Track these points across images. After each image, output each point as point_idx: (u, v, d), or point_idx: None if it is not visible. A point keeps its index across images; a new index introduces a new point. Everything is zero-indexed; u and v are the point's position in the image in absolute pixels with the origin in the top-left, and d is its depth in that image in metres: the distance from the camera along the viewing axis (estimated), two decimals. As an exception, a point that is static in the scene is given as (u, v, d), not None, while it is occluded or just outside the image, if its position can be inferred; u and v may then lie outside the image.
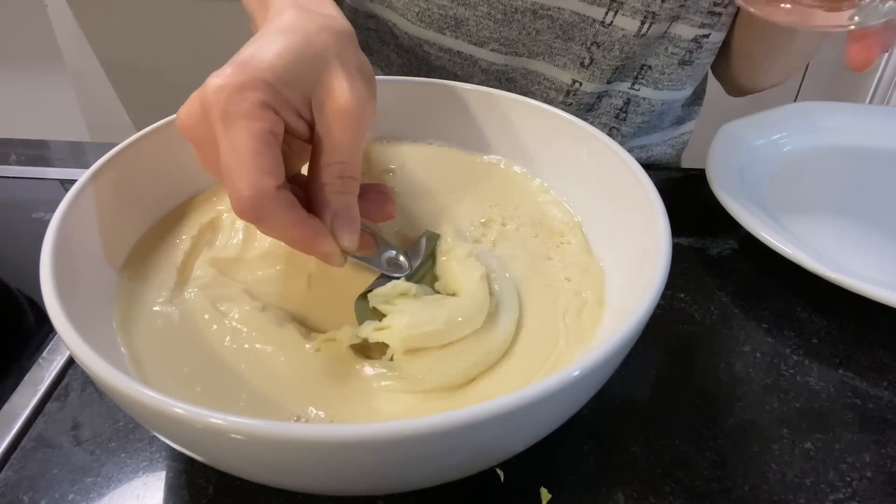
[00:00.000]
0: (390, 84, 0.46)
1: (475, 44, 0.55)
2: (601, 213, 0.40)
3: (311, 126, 0.32)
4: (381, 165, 0.44)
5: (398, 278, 0.36)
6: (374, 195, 0.36)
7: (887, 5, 0.30)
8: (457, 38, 0.55)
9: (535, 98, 0.44)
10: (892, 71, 1.26)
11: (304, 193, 0.33)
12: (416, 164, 0.45)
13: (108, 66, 1.27)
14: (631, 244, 0.35)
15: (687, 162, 0.72)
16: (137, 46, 1.24)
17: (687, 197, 0.54)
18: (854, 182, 0.56)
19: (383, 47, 0.60)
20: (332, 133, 0.31)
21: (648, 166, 0.41)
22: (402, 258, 0.37)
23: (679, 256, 0.48)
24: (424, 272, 0.37)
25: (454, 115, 0.46)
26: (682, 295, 0.45)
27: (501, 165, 0.45)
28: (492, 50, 0.55)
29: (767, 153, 0.57)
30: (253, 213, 0.29)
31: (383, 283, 0.35)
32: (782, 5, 0.31)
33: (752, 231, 0.46)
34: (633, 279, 0.34)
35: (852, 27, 0.31)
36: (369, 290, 0.35)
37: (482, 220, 0.41)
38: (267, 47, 0.30)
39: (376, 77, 0.46)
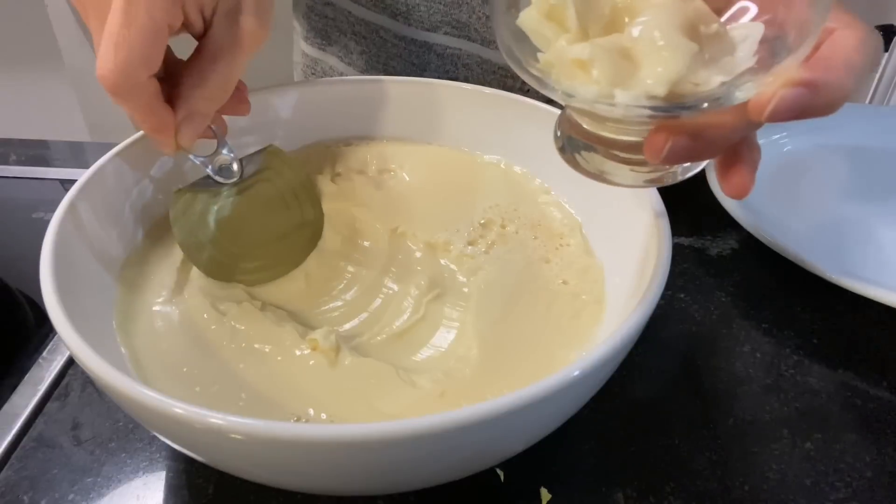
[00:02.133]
0: (390, 84, 0.46)
1: (428, 29, 0.55)
2: (601, 214, 0.40)
3: (207, 26, 0.33)
4: (381, 165, 0.44)
5: (224, 185, 0.37)
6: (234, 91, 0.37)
7: (687, 164, 0.29)
8: (409, 24, 0.55)
9: (491, 87, 0.44)
10: (892, 71, 1.26)
11: (166, 70, 0.34)
12: (416, 164, 0.45)
13: (108, 66, 1.27)
14: (631, 244, 0.35)
15: (687, 162, 0.71)
16: (137, 46, 1.23)
17: (687, 197, 0.54)
18: (854, 182, 0.56)
19: (341, 36, 0.60)
20: (227, 44, 0.33)
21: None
22: (234, 166, 0.37)
23: (679, 256, 0.48)
24: (251, 184, 0.38)
25: (454, 115, 0.46)
26: (682, 295, 0.45)
27: (501, 165, 0.45)
28: (445, 34, 0.55)
29: (767, 153, 0.56)
30: (115, 90, 0.31)
31: (209, 184, 0.36)
32: (592, 159, 0.30)
33: (752, 231, 0.46)
34: (633, 279, 0.34)
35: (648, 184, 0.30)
36: (191, 186, 0.36)
37: (481, 222, 0.41)
38: None
39: (377, 77, 0.46)
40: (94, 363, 0.25)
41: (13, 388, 0.37)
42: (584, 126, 0.29)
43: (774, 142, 0.58)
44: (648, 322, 0.28)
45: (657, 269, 0.30)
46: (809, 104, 0.23)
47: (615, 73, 0.24)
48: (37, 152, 0.59)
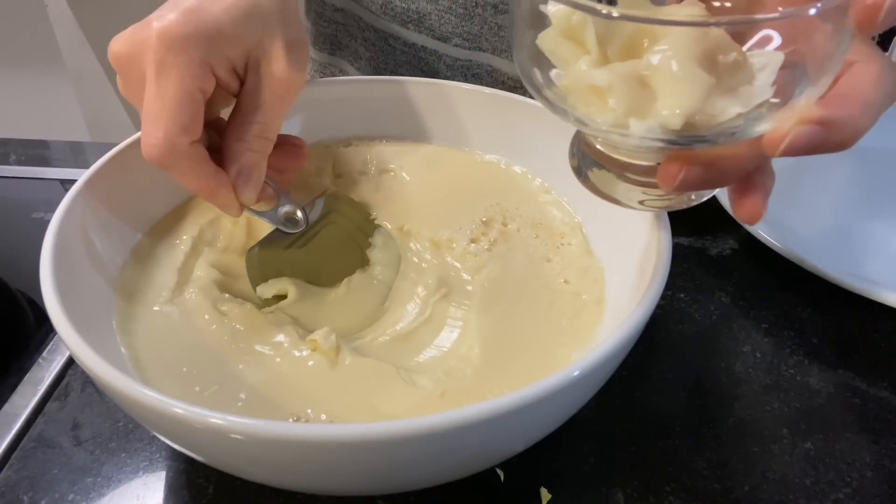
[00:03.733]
0: (390, 84, 0.46)
1: (438, 38, 0.55)
2: (601, 214, 0.40)
3: (242, 82, 0.34)
4: (381, 165, 0.44)
5: (292, 234, 0.37)
6: (287, 147, 0.38)
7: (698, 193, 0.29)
8: (420, 32, 0.55)
9: None
10: (892, 71, 1.26)
11: (218, 138, 0.35)
12: (416, 164, 0.45)
13: (108, 66, 1.27)
14: (631, 244, 0.35)
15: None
16: (137, 46, 1.23)
17: (687, 197, 0.54)
18: (854, 182, 0.56)
19: (351, 41, 0.60)
20: (262, 95, 0.33)
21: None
22: (298, 214, 0.38)
23: (679, 256, 0.48)
24: (317, 231, 0.38)
25: (454, 115, 0.46)
26: (682, 295, 0.45)
27: (501, 165, 0.45)
28: (455, 45, 0.55)
29: (767, 153, 0.57)
30: (161, 162, 0.31)
31: (277, 237, 0.37)
32: (606, 184, 0.30)
33: (752, 231, 0.46)
34: (633, 279, 0.34)
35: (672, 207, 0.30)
36: (261, 243, 0.37)
37: (483, 219, 0.41)
38: (213, 4, 0.31)
39: (377, 77, 0.46)
40: (94, 363, 0.25)
41: (13, 388, 0.37)
42: (599, 148, 0.29)
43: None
44: (648, 322, 0.28)
45: (657, 269, 0.30)
46: (823, 142, 0.23)
47: (632, 101, 0.24)
48: (37, 152, 0.59)
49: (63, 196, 0.33)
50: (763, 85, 0.24)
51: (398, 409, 0.30)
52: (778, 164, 0.59)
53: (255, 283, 0.36)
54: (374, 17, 0.56)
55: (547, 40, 0.26)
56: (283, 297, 0.36)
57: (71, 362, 0.39)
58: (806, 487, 0.33)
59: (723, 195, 0.49)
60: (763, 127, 0.24)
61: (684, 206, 0.30)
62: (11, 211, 0.52)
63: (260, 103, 0.33)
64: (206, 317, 0.34)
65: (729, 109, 0.24)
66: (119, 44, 0.32)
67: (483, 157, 0.46)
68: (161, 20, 0.30)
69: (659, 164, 0.27)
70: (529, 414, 0.24)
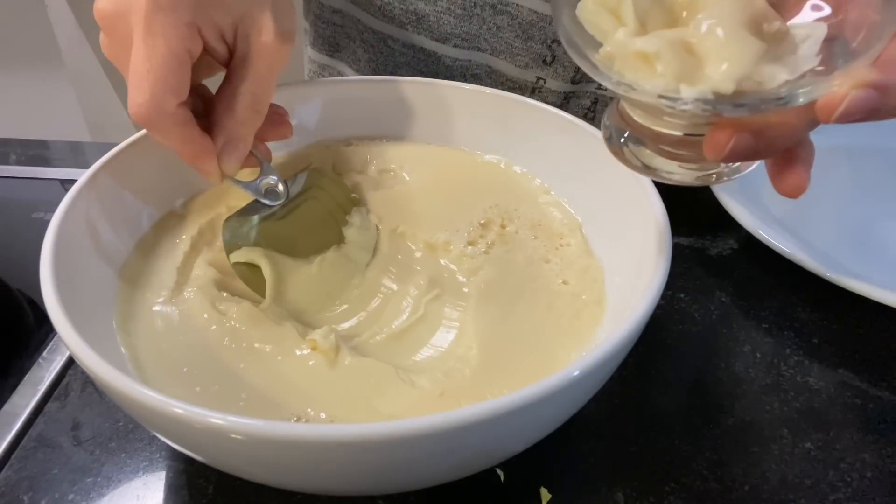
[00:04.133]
0: (390, 84, 0.46)
1: (437, 39, 0.55)
2: (601, 214, 0.40)
3: (231, 51, 0.34)
4: (381, 165, 0.44)
5: (272, 206, 0.37)
6: (271, 114, 0.37)
7: (737, 165, 0.29)
8: (419, 33, 0.55)
9: None
10: (892, 71, 1.26)
11: (205, 106, 0.35)
12: (416, 164, 0.45)
13: (108, 66, 1.27)
14: (631, 244, 0.35)
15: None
16: (137, 46, 1.23)
17: (687, 197, 0.54)
18: (854, 182, 0.56)
19: (349, 43, 0.60)
20: (252, 65, 0.33)
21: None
22: (279, 186, 0.38)
23: (679, 256, 0.48)
24: (297, 204, 0.38)
25: (454, 115, 0.46)
26: (682, 295, 0.45)
27: (501, 165, 0.45)
28: (454, 46, 0.55)
29: (767, 153, 0.57)
30: (148, 123, 0.31)
31: (256, 207, 0.37)
32: (642, 153, 0.30)
33: (752, 231, 0.46)
34: (633, 279, 0.34)
35: (713, 181, 0.30)
36: (238, 212, 0.37)
37: (481, 222, 0.41)
38: None
39: (377, 77, 0.46)
40: (94, 363, 0.25)
41: (13, 388, 0.37)
42: (636, 119, 0.29)
43: (774, 142, 0.58)
44: (648, 322, 0.28)
45: (657, 269, 0.30)
46: (879, 106, 0.23)
47: (680, 67, 0.24)
48: (37, 152, 0.59)
49: (63, 196, 0.33)
50: (807, 55, 0.24)
51: (397, 409, 0.30)
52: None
53: (228, 251, 0.36)
54: (373, 19, 0.56)
55: (585, 10, 0.26)
56: (255, 266, 0.36)
57: (71, 362, 0.39)
58: (806, 487, 0.33)
59: (726, 197, 0.49)
60: (812, 94, 0.24)
61: (716, 182, 0.29)
62: (11, 211, 0.52)
63: (249, 74, 0.33)
64: (206, 316, 0.34)
65: (777, 76, 0.24)
66: (109, 16, 0.32)
67: (483, 157, 0.46)
68: None
69: (693, 135, 0.27)
70: (529, 414, 0.24)
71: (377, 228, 0.40)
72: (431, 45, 0.55)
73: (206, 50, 0.33)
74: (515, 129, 0.44)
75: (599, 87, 0.57)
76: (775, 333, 0.42)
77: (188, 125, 0.33)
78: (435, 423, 0.23)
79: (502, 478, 0.33)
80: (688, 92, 0.24)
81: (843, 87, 0.23)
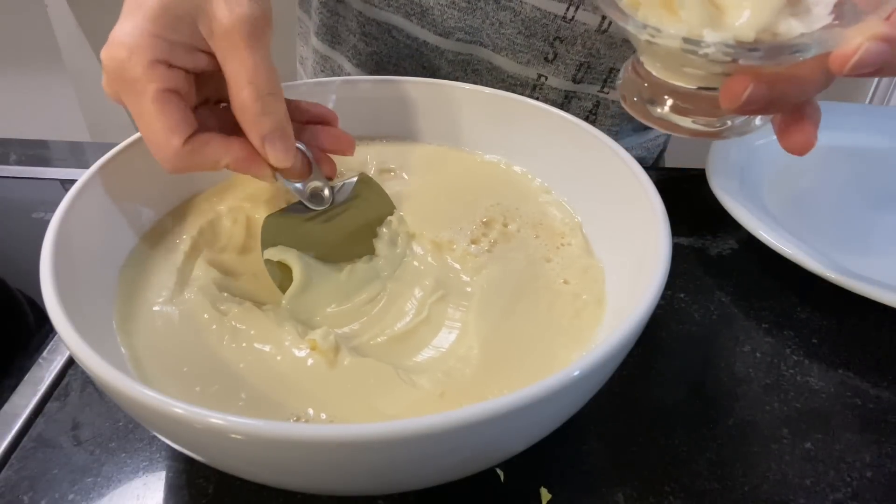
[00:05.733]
0: (390, 84, 0.46)
1: (440, 34, 0.55)
2: (601, 214, 0.40)
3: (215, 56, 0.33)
4: (381, 165, 0.44)
5: (316, 210, 0.37)
6: (337, 131, 0.38)
7: (758, 119, 0.31)
8: (423, 27, 0.55)
9: None
10: (892, 71, 1.26)
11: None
12: (416, 164, 0.45)
13: (109, 66, 1.27)
14: (631, 244, 0.35)
15: (686, 162, 0.72)
16: (137, 46, 1.23)
17: (687, 197, 0.54)
18: (854, 182, 0.56)
19: (349, 36, 0.60)
20: (228, 57, 0.32)
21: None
22: (326, 191, 0.37)
23: (679, 256, 0.48)
24: (340, 212, 0.38)
25: (454, 115, 0.46)
26: (682, 295, 0.45)
27: (501, 165, 0.45)
28: (457, 40, 0.55)
29: (767, 153, 0.57)
30: (175, 169, 0.32)
31: (299, 209, 0.37)
32: (656, 109, 0.31)
33: (752, 231, 0.46)
34: (633, 279, 0.34)
35: (723, 136, 0.31)
36: (281, 211, 0.37)
37: (483, 220, 0.41)
38: None
39: (377, 77, 0.46)
40: (94, 363, 0.25)
41: (13, 388, 0.37)
42: (653, 73, 0.30)
43: (774, 142, 0.57)
44: (648, 322, 0.28)
45: (657, 269, 0.30)
46: (891, 59, 0.24)
47: (703, 15, 0.25)
48: (37, 152, 0.59)
49: (63, 196, 0.33)
50: (821, 14, 0.25)
51: (398, 409, 0.30)
52: (778, 163, 0.59)
53: (264, 247, 0.36)
54: (377, 10, 0.56)
55: None
56: (286, 266, 0.36)
57: (71, 362, 0.39)
58: (806, 487, 0.33)
59: (726, 197, 0.49)
60: (827, 44, 0.25)
61: (723, 138, 0.31)
62: (11, 211, 0.52)
63: (231, 66, 0.32)
64: (206, 316, 0.34)
65: (793, 29, 0.25)
66: (104, 86, 0.32)
67: (483, 157, 0.46)
68: (105, 48, 0.31)
69: (706, 89, 0.29)
70: (529, 414, 0.24)
71: (409, 239, 0.40)
72: (434, 38, 0.55)
73: (193, 70, 0.32)
74: (515, 129, 0.44)
75: (601, 89, 0.57)
76: (775, 333, 0.42)
77: (212, 144, 0.32)
78: (435, 423, 0.23)
79: (502, 478, 0.33)
80: (711, 36, 0.25)
81: (856, 38, 0.24)
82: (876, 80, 1.27)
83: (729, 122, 0.31)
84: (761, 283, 0.46)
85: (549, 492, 0.33)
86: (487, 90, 0.44)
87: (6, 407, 0.36)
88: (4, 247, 0.50)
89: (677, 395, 0.38)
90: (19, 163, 0.57)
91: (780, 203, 0.52)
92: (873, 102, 1.28)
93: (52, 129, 1.34)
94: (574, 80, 0.56)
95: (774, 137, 0.60)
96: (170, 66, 0.31)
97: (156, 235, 0.38)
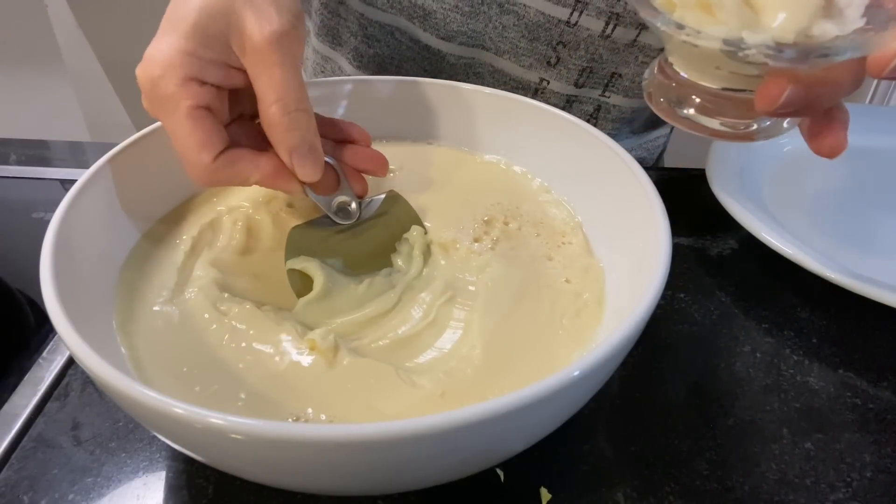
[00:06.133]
0: (390, 84, 0.46)
1: (443, 38, 0.55)
2: (601, 214, 0.40)
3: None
4: (381, 165, 0.44)
5: (341, 225, 0.37)
6: (372, 152, 0.38)
7: (786, 121, 0.31)
8: (425, 30, 0.55)
9: None
10: (892, 71, 1.26)
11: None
12: (416, 164, 0.45)
13: (108, 66, 1.27)
14: (631, 244, 0.35)
15: (686, 162, 0.72)
16: (137, 46, 1.23)
17: (687, 197, 0.54)
18: (854, 182, 0.56)
19: (351, 38, 0.60)
20: (259, 73, 0.32)
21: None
22: (353, 205, 0.38)
23: (679, 256, 0.48)
24: (366, 228, 0.38)
25: (454, 115, 0.46)
26: (682, 295, 0.45)
27: (501, 165, 0.45)
28: (459, 44, 0.55)
29: (767, 153, 0.57)
30: (206, 183, 0.33)
31: (325, 223, 0.37)
32: (683, 109, 0.32)
33: (752, 231, 0.46)
34: (633, 279, 0.34)
35: (754, 138, 0.32)
36: (307, 223, 0.37)
37: (485, 219, 0.41)
38: (178, 12, 0.32)
39: (377, 77, 0.46)
40: (94, 363, 0.25)
41: (13, 388, 0.37)
42: (681, 73, 0.30)
43: (774, 142, 0.58)
44: (648, 322, 0.28)
45: (657, 269, 0.30)
46: None
47: (741, 17, 0.26)
48: (37, 152, 0.59)
49: (63, 196, 0.33)
50: (853, 17, 0.26)
51: (398, 409, 0.30)
52: (778, 164, 0.59)
53: (288, 258, 0.36)
54: (380, 12, 0.56)
55: None
56: (307, 276, 0.36)
57: (71, 362, 0.39)
58: (806, 487, 0.33)
59: (726, 197, 0.49)
60: (866, 48, 0.26)
61: (748, 140, 0.31)
62: (11, 211, 0.52)
63: (265, 83, 0.32)
64: (206, 316, 0.34)
65: (828, 31, 0.25)
66: (144, 104, 0.33)
67: (483, 157, 0.46)
68: (140, 66, 0.32)
69: (733, 91, 0.29)
70: (529, 414, 0.24)
71: (429, 253, 0.39)
72: (436, 42, 0.55)
73: (226, 86, 0.33)
74: (515, 129, 0.44)
75: (603, 93, 0.57)
76: (775, 333, 0.42)
77: (242, 161, 0.33)
78: (435, 423, 0.23)
79: (502, 478, 0.33)
80: (751, 38, 0.26)
81: (892, 44, 0.25)
82: (876, 80, 1.27)
83: (755, 125, 0.31)
84: (761, 283, 0.46)
85: (549, 492, 0.33)
86: (487, 90, 0.44)
87: (6, 407, 0.36)
88: (4, 247, 0.50)
89: (677, 395, 0.38)
90: (19, 163, 0.57)
91: (780, 203, 0.52)
92: (873, 102, 1.28)
93: (52, 129, 1.34)
94: (576, 85, 0.56)
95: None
96: (202, 83, 0.32)
97: (156, 235, 0.38)
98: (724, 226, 0.49)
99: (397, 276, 0.38)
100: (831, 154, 0.29)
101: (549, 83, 0.56)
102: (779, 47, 0.26)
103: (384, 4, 0.55)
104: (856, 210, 0.52)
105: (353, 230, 0.38)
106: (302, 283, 0.36)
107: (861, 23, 0.26)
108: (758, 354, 0.41)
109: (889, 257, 0.47)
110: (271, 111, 0.32)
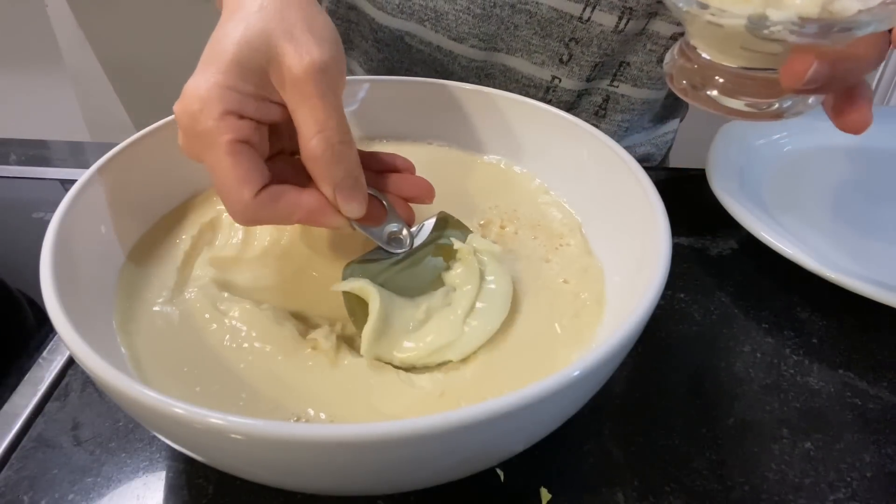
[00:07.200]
0: (390, 84, 0.46)
1: (454, 39, 0.55)
2: (601, 214, 0.40)
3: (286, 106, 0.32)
4: (381, 165, 0.44)
5: (396, 255, 0.36)
6: (416, 179, 0.37)
7: (811, 98, 0.31)
8: (437, 32, 0.55)
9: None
10: (892, 71, 1.26)
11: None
12: (416, 164, 0.45)
13: (108, 66, 1.27)
14: (631, 244, 0.35)
15: (686, 162, 0.72)
16: (137, 46, 1.23)
17: (687, 197, 0.54)
18: (854, 182, 0.56)
19: (362, 42, 0.60)
20: (299, 106, 0.31)
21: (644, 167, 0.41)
22: (404, 233, 0.36)
23: (679, 256, 0.48)
24: (424, 255, 0.36)
25: (454, 115, 0.46)
26: (682, 295, 0.45)
27: (501, 165, 0.45)
28: (471, 46, 0.55)
29: (767, 153, 0.57)
30: (246, 221, 0.31)
31: (381, 256, 0.36)
32: (706, 90, 0.32)
33: (752, 231, 0.46)
34: (632, 279, 0.34)
35: (781, 116, 0.32)
36: (361, 258, 0.35)
37: (481, 223, 0.41)
38: (216, 47, 0.31)
39: (377, 77, 0.46)
40: (94, 363, 0.25)
41: (13, 388, 0.37)
42: (703, 56, 0.31)
43: (774, 142, 0.58)
44: (648, 322, 0.28)
45: (657, 269, 0.30)
46: None
47: None
48: (37, 152, 0.59)
49: (63, 196, 0.33)
50: None
51: (398, 409, 0.30)
52: (778, 164, 0.59)
53: (345, 296, 0.34)
54: (390, 17, 0.56)
55: None
56: (362, 301, 0.34)
57: (71, 362, 0.39)
58: (806, 487, 0.33)
59: (726, 197, 0.49)
60: (890, 21, 0.26)
61: (771, 119, 0.32)
62: (11, 211, 0.52)
63: (306, 115, 0.31)
64: (206, 316, 0.34)
65: (851, 6, 0.26)
66: (181, 143, 0.31)
67: (483, 158, 0.46)
68: (178, 102, 0.30)
69: (756, 70, 0.29)
70: (529, 414, 0.24)
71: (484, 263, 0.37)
72: (448, 43, 0.55)
73: (265, 121, 0.32)
74: (515, 129, 0.44)
75: (611, 83, 0.57)
76: (775, 333, 0.42)
77: (283, 198, 0.31)
78: (435, 423, 0.23)
79: (502, 478, 0.33)
80: (776, 15, 0.26)
81: None
82: (876, 80, 1.28)
83: (778, 104, 0.31)
84: (761, 283, 0.46)
85: (549, 492, 0.33)
86: (487, 90, 0.44)
87: (6, 407, 0.36)
88: (4, 247, 0.50)
89: (677, 395, 0.38)
90: (19, 163, 0.57)
91: (780, 203, 0.52)
92: (873, 102, 1.28)
93: (52, 129, 1.34)
94: (587, 80, 0.56)
95: (775, 137, 0.60)
96: (241, 116, 0.30)
97: (156, 235, 0.38)
98: (724, 226, 0.49)
99: (454, 295, 0.36)
100: (858, 130, 0.30)
101: (560, 81, 0.56)
102: (803, 23, 0.26)
103: (394, 10, 0.55)
104: (856, 210, 0.52)
105: (411, 259, 0.36)
106: (358, 308, 0.34)
107: None
108: (758, 354, 0.41)
109: (889, 257, 0.47)
110: (312, 144, 0.31)
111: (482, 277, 0.36)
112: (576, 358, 0.33)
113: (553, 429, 0.29)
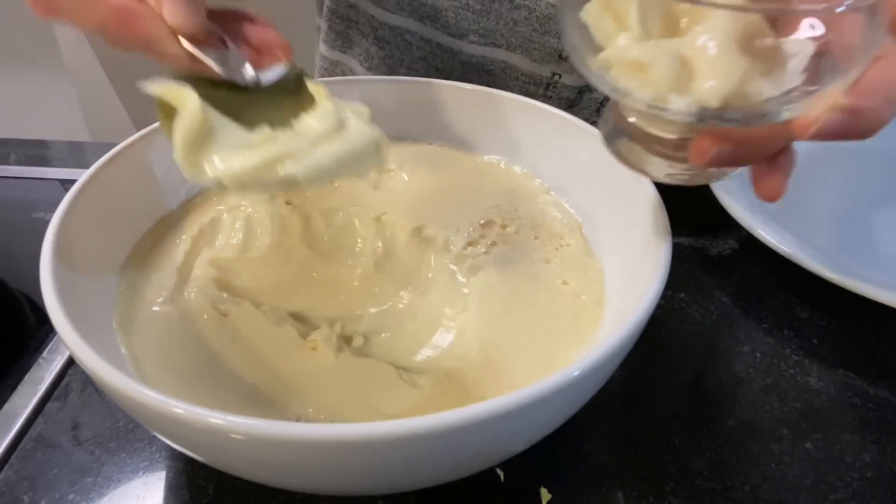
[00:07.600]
0: (390, 84, 0.46)
1: (454, 35, 0.55)
2: (601, 214, 0.40)
3: None
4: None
5: (237, 83, 0.30)
6: (260, 21, 0.33)
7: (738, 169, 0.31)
8: (436, 28, 0.55)
9: (515, 92, 0.44)
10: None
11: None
12: (416, 164, 0.45)
13: (108, 66, 1.27)
14: (631, 244, 0.35)
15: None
16: (137, 46, 1.23)
17: (687, 197, 0.54)
18: (854, 182, 0.56)
19: (362, 40, 0.60)
20: None
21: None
22: (247, 66, 0.31)
23: (679, 256, 0.48)
24: (272, 95, 0.31)
25: (454, 115, 0.46)
26: (682, 295, 0.45)
27: (501, 165, 0.45)
28: (471, 42, 0.55)
29: (767, 153, 0.57)
30: (44, 7, 0.27)
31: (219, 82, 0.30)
32: (633, 154, 0.31)
33: (752, 231, 0.46)
34: (632, 279, 0.34)
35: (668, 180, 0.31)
36: (200, 76, 0.29)
37: (481, 222, 0.41)
38: None
39: (376, 77, 0.46)
40: (94, 363, 0.25)
41: (13, 388, 0.37)
42: (631, 120, 0.30)
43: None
44: (648, 322, 0.28)
45: (657, 269, 0.30)
46: (849, 129, 0.25)
47: (672, 78, 0.25)
48: (37, 152, 0.59)
49: (63, 196, 0.33)
50: (794, 71, 0.25)
51: (398, 409, 0.30)
52: (778, 164, 0.58)
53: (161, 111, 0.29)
54: (389, 14, 0.56)
55: (591, 14, 0.26)
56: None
57: (71, 362, 0.39)
58: (806, 487, 0.33)
59: (726, 197, 0.49)
60: (793, 111, 0.25)
61: (703, 182, 0.31)
62: (11, 211, 0.52)
63: None
64: (206, 316, 0.34)
65: (762, 92, 0.25)
66: None
67: (483, 158, 0.46)
68: None
69: (687, 139, 0.28)
70: (529, 414, 0.24)
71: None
72: (448, 40, 0.55)
73: None
74: (515, 129, 0.44)
75: None
76: (775, 333, 0.42)
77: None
78: (435, 423, 0.23)
79: (502, 478, 0.33)
80: (676, 103, 0.25)
81: (818, 108, 0.25)
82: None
83: (697, 171, 0.31)
84: (761, 283, 0.46)
85: (549, 492, 0.33)
86: (486, 90, 0.44)
87: (6, 407, 0.36)
88: (4, 247, 0.50)
89: (677, 394, 0.38)
90: (19, 163, 0.57)
91: (780, 203, 0.52)
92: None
93: (52, 129, 1.34)
94: None
95: (774, 137, 0.60)
96: None
97: (156, 235, 0.38)
98: (724, 226, 0.49)
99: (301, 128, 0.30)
100: (769, 199, 0.30)
101: (560, 77, 0.56)
102: (704, 111, 0.25)
103: (394, 7, 0.55)
104: (855, 210, 0.52)
105: (255, 94, 0.31)
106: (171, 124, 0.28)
107: (801, 79, 0.25)
108: (758, 354, 0.41)
109: (889, 257, 0.47)
110: None
111: (342, 125, 0.30)
112: (576, 358, 0.33)
113: (553, 429, 0.29)
